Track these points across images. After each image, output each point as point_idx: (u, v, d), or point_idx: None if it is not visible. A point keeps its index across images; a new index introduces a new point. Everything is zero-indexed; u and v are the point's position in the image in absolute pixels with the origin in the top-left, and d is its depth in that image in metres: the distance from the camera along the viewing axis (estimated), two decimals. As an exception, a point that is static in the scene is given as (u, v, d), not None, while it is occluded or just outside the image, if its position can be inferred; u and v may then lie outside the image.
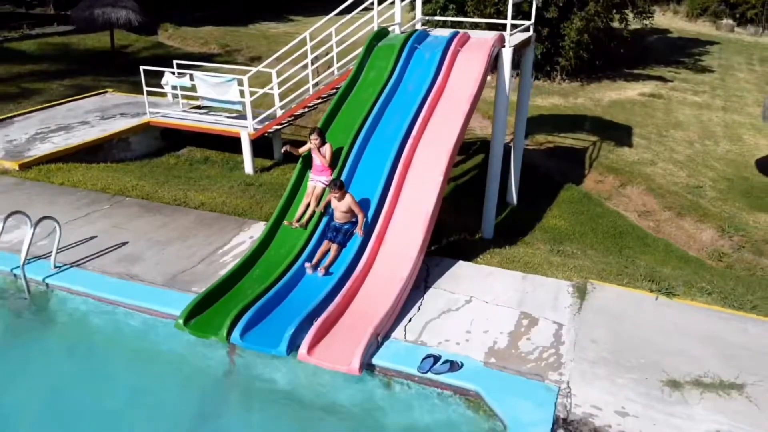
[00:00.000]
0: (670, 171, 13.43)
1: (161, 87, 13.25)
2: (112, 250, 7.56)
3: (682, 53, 27.98)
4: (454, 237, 8.96)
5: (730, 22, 37.30)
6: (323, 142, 7.41)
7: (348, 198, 6.72)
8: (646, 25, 22.52)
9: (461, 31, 9.10)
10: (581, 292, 6.77)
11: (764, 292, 7.52)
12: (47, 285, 6.89)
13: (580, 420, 4.91)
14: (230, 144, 13.43)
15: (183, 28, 29.13)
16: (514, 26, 9.13)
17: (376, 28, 9.57)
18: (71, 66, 20.68)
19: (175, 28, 28.76)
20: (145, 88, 12.76)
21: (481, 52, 8.37)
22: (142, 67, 12.59)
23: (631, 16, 22.24)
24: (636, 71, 23.47)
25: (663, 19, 41.03)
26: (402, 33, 9.38)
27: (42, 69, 20.05)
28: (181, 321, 5.95)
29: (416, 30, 9.15)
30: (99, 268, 7.14)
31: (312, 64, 11.51)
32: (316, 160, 7.40)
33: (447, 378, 5.34)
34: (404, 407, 5.28)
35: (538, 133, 15.89)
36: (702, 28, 37.91)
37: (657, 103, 19.15)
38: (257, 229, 8.11)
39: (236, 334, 5.74)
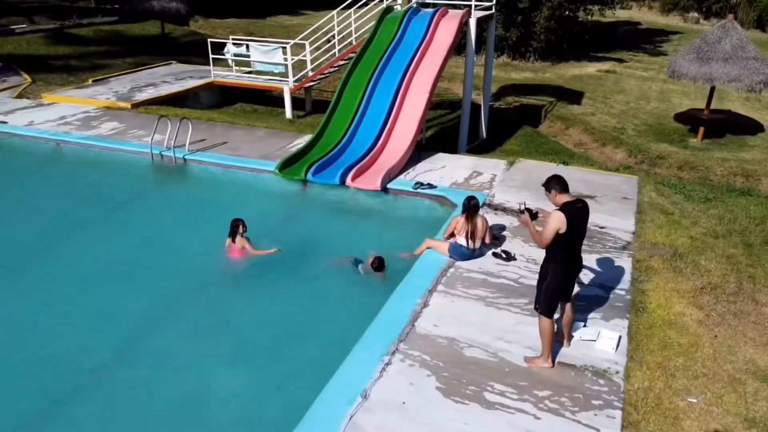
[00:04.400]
0: (605, 120, 17.74)
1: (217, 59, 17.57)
2: (219, 145, 11.89)
3: (645, 41, 32.22)
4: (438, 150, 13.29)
5: (696, 15, 41.61)
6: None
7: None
8: (603, 14, 26.71)
9: (442, 7, 13.44)
10: (511, 163, 11.12)
11: (635, 171, 11.85)
12: (185, 160, 11.23)
13: (497, 204, 9.25)
14: (272, 101, 17.79)
15: (211, 19, 33.47)
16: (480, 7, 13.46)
17: (384, 4, 13.92)
18: (127, 48, 24.93)
19: (204, 20, 33.09)
20: (211, 56, 17.04)
21: (455, 19, 12.75)
22: (209, 40, 16.94)
23: (596, 8, 26.51)
24: (600, 54, 27.74)
25: (638, 13, 45.32)
26: (402, 9, 13.73)
27: (104, 50, 24.28)
28: (277, 170, 10.29)
29: (412, 7, 13.49)
30: (215, 151, 11.48)
31: (337, 34, 15.81)
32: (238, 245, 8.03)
33: (427, 192, 9.68)
34: (404, 205, 9.64)
35: (508, 96, 20.22)
36: (671, 20, 42.07)
37: (610, 77, 23.44)
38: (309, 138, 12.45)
39: (309, 175, 10.09)
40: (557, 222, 5.33)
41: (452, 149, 14.11)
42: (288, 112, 16.42)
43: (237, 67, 17.69)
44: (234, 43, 17.11)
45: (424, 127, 14.09)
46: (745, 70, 14.47)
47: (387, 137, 11.00)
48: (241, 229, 7.97)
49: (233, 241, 8.00)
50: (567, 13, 24.38)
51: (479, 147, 14.94)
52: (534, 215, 5.65)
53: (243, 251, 7.99)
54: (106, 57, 23.06)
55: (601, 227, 8.71)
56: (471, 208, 7.51)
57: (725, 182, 12.87)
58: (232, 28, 32.06)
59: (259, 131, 13.06)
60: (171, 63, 19.92)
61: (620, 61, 26.63)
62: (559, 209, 5.42)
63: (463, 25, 13.05)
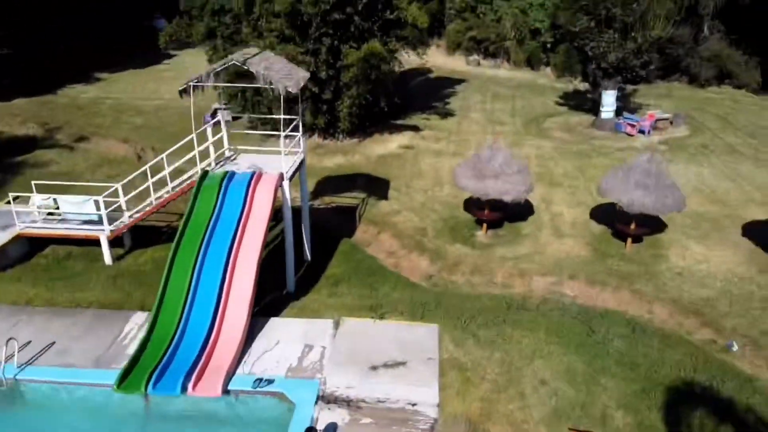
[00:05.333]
0: (409, 218, 20.24)
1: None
2: (48, 349, 11.85)
3: (436, 96, 35.88)
4: (269, 297, 14.45)
5: (476, 57, 47.16)
6: None
7: None
8: (394, 69, 28.87)
9: (257, 170, 14.55)
10: (337, 325, 12.78)
11: (434, 306, 14.21)
12: (16, 379, 11.09)
13: (329, 394, 10.81)
14: (86, 240, 17.43)
15: (-7, 103, 30.50)
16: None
17: (199, 171, 14.67)
18: None
19: (-15, 105, 30.06)
20: (13, 209, 16.21)
21: (270, 185, 13.99)
22: (11, 194, 16.13)
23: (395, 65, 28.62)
24: (399, 122, 30.47)
25: (428, 55, 49.76)
26: (219, 171, 14.60)
27: None
28: (116, 386, 10.74)
29: (227, 172, 14.43)
30: (45, 362, 11.47)
31: (151, 178, 16.12)
32: None
33: (266, 388, 10.92)
34: (248, 405, 10.76)
35: (325, 194, 21.94)
36: (457, 63, 46.90)
37: (409, 155, 26.21)
38: (139, 318, 12.88)
39: (150, 387, 10.72)
40: None
41: (281, 285, 15.42)
42: (107, 259, 16.33)
43: (45, 210, 17.00)
44: (41, 197, 16.49)
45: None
46: (511, 184, 17.73)
47: (220, 326, 11.93)
48: None
49: None
50: (364, 101, 26.34)
51: (306, 277, 16.32)
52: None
53: None
54: None
55: (413, 404, 10.68)
56: None
57: (507, 295, 15.83)
58: (21, 114, 29.59)
59: (83, 315, 13.13)
60: (-38, 203, 18.35)
61: (416, 129, 29.52)
62: None
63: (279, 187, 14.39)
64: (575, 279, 16.72)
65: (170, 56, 45.01)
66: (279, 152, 15.16)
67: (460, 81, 40.87)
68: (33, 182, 16.94)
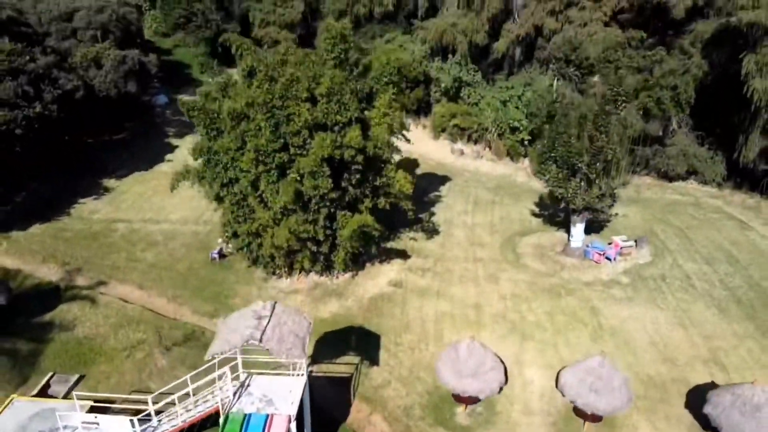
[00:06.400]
0: (398, 390, 23.13)
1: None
2: None
3: (422, 203, 38.17)
4: None
5: (460, 146, 50.01)
6: None
7: None
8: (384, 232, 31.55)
9: (269, 413, 17.41)
10: None
11: None
12: None
13: None
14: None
15: (14, 234, 32.87)
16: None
17: (221, 416, 17.51)
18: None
19: (6, 238, 32.46)
20: (58, 415, 18.94)
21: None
22: (58, 414, 18.88)
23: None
24: (388, 245, 33.08)
25: (415, 132, 52.02)
26: (238, 415, 17.41)
27: None
28: None
29: (245, 416, 17.26)
30: None
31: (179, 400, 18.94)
32: None
33: None
34: None
35: (323, 358, 24.76)
36: (441, 150, 49.49)
37: (398, 296, 29.01)
38: None
39: None
40: None
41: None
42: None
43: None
44: (82, 410, 19.24)
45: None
46: (486, 383, 20.75)
47: None
48: None
49: None
50: (360, 250, 29.24)
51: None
52: None
53: None
54: None
55: None
56: None
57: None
58: (40, 249, 31.87)
59: None
60: (13, 398, 21.05)
61: (403, 256, 32.28)
62: None
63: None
64: (539, 474, 19.80)
65: (172, 147, 47.33)
66: (287, 374, 18.06)
67: (444, 180, 43.62)
68: (75, 393, 19.75)
